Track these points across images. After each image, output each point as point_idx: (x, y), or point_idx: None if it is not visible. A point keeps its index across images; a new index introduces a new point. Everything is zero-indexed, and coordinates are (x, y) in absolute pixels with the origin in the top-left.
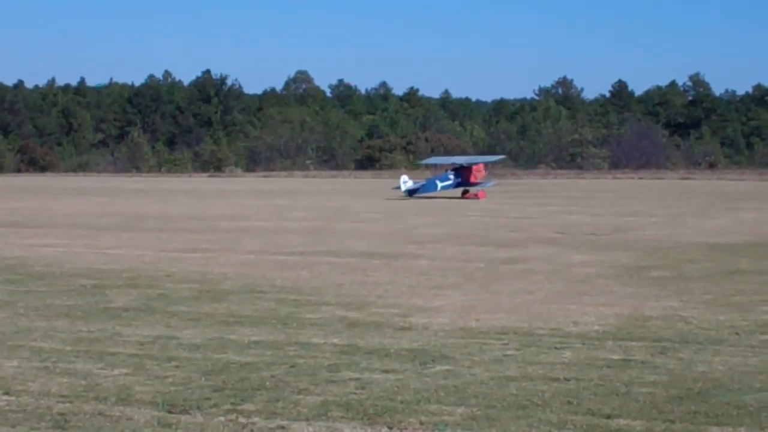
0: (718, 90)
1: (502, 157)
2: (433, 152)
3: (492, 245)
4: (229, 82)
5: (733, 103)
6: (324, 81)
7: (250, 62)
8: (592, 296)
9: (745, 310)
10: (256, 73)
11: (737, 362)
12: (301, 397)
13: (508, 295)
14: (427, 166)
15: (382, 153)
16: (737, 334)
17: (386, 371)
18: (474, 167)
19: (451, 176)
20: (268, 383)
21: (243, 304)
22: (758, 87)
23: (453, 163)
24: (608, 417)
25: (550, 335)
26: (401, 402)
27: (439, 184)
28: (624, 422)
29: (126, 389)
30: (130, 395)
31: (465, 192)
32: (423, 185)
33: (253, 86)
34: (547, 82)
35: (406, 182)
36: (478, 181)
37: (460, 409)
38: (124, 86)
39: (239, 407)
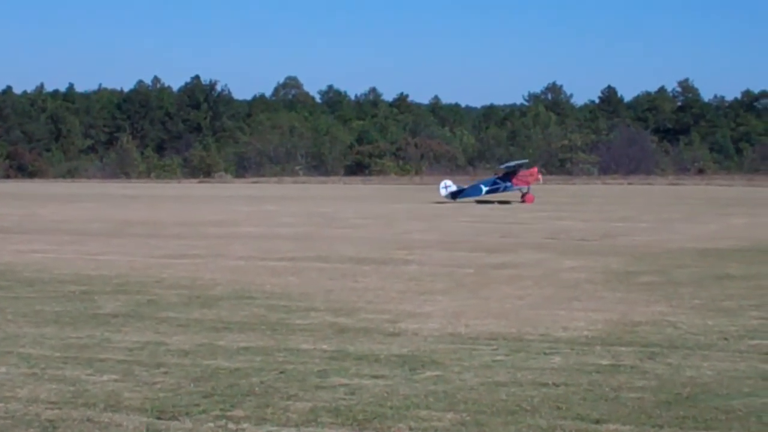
0: (707, 96)
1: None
2: (422, 158)
3: (482, 250)
4: (218, 87)
5: (722, 108)
6: (313, 87)
7: (239, 68)
8: (581, 301)
9: (734, 315)
10: (245, 78)
11: (726, 367)
12: (290, 403)
13: (498, 301)
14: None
15: (372, 159)
16: (726, 339)
17: (376, 377)
18: (522, 172)
19: (499, 181)
20: (257, 389)
21: (232, 310)
22: (747, 93)
23: (506, 168)
24: (597, 422)
25: (540, 340)
26: (391, 408)
27: (484, 189)
28: (613, 427)
29: (115, 395)
30: (119, 401)
31: (523, 196)
32: (468, 188)
33: (242, 92)
34: (537, 87)
35: (448, 186)
36: (527, 185)
37: (450, 415)
38: (113, 92)
39: (228, 413)
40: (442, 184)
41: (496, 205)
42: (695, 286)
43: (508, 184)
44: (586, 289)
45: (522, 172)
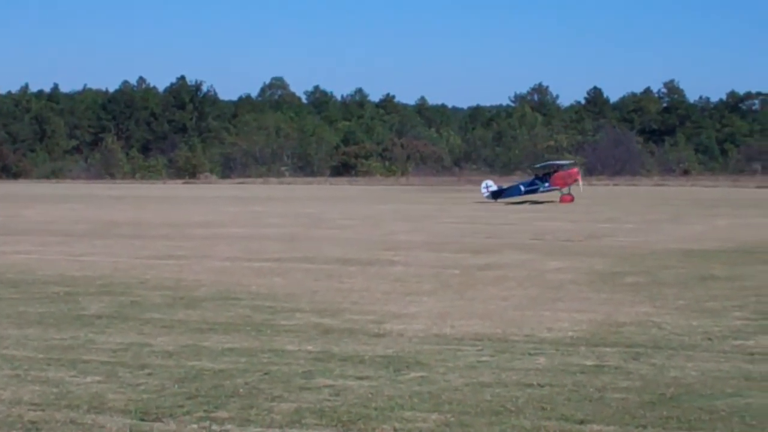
0: (692, 97)
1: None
2: (409, 159)
3: (468, 252)
4: (204, 88)
5: (707, 109)
6: (300, 87)
7: (225, 68)
8: (566, 302)
9: (718, 315)
10: (231, 79)
11: (710, 367)
12: (274, 404)
13: (483, 302)
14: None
15: (358, 159)
16: (710, 339)
17: (360, 378)
18: (561, 172)
19: (538, 181)
20: (241, 390)
21: (217, 311)
22: (732, 94)
23: (546, 166)
24: (581, 422)
25: (525, 341)
26: (375, 409)
27: (523, 189)
28: (597, 427)
29: (98, 397)
30: (103, 403)
31: (563, 196)
32: (508, 189)
33: (228, 92)
34: (523, 88)
35: (490, 186)
36: (567, 185)
37: (434, 416)
38: (98, 92)
39: (212, 414)
40: (484, 185)
41: (483, 206)
42: (680, 287)
43: (547, 184)
44: (571, 290)
45: (560, 173)
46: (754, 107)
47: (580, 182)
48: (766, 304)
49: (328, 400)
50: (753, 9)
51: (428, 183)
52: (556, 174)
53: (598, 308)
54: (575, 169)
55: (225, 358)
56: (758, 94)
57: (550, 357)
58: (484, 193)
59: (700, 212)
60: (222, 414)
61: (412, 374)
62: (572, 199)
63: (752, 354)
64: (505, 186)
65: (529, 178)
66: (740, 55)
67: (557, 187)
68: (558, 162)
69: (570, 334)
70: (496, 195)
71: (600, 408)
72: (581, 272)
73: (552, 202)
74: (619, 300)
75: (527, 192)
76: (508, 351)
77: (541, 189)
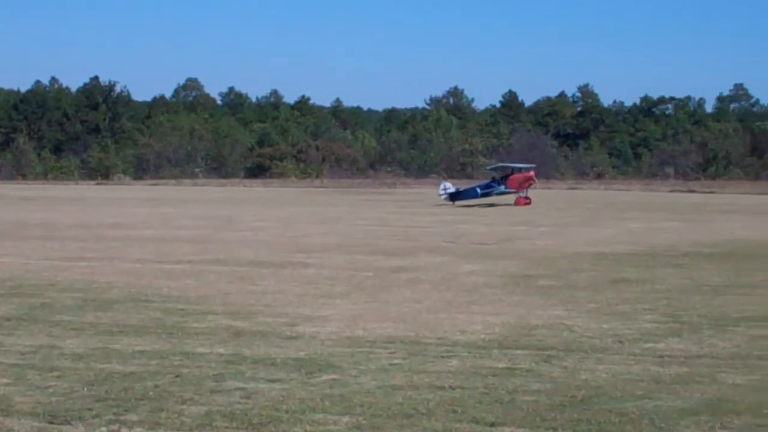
0: (606, 101)
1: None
2: (324, 161)
3: (381, 254)
4: (117, 88)
5: (621, 114)
6: (214, 89)
7: (139, 69)
8: (479, 305)
9: (629, 318)
10: (145, 80)
11: (620, 370)
12: (185, 407)
13: (396, 304)
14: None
15: (273, 161)
16: (620, 342)
17: (272, 381)
18: (515, 176)
19: (494, 184)
20: (151, 393)
21: (128, 314)
22: (645, 98)
23: (499, 169)
24: (492, 425)
25: (437, 344)
26: (286, 411)
27: (480, 192)
28: (508, 430)
29: (6, 400)
30: (11, 406)
31: (518, 198)
32: (465, 191)
33: (142, 93)
34: (439, 91)
35: (448, 188)
36: (523, 187)
37: (345, 419)
38: (9, 92)
39: (122, 417)
40: (441, 187)
41: (397, 209)
42: (591, 290)
43: (503, 187)
44: (485, 292)
45: (516, 176)
46: (667, 112)
47: (536, 185)
48: (676, 307)
49: (239, 403)
50: (666, 14)
51: (343, 185)
52: (512, 177)
53: (511, 311)
54: (531, 173)
55: (135, 360)
56: (671, 98)
57: (462, 360)
58: (441, 195)
59: (613, 216)
60: (132, 417)
61: (324, 377)
62: (529, 202)
63: (662, 357)
64: (462, 188)
65: (486, 181)
66: (654, 60)
67: (513, 190)
68: (513, 165)
69: (483, 336)
70: (453, 197)
71: (511, 410)
72: (495, 275)
73: (508, 205)
74: (532, 303)
75: (483, 195)
76: (421, 354)
77: (497, 192)
